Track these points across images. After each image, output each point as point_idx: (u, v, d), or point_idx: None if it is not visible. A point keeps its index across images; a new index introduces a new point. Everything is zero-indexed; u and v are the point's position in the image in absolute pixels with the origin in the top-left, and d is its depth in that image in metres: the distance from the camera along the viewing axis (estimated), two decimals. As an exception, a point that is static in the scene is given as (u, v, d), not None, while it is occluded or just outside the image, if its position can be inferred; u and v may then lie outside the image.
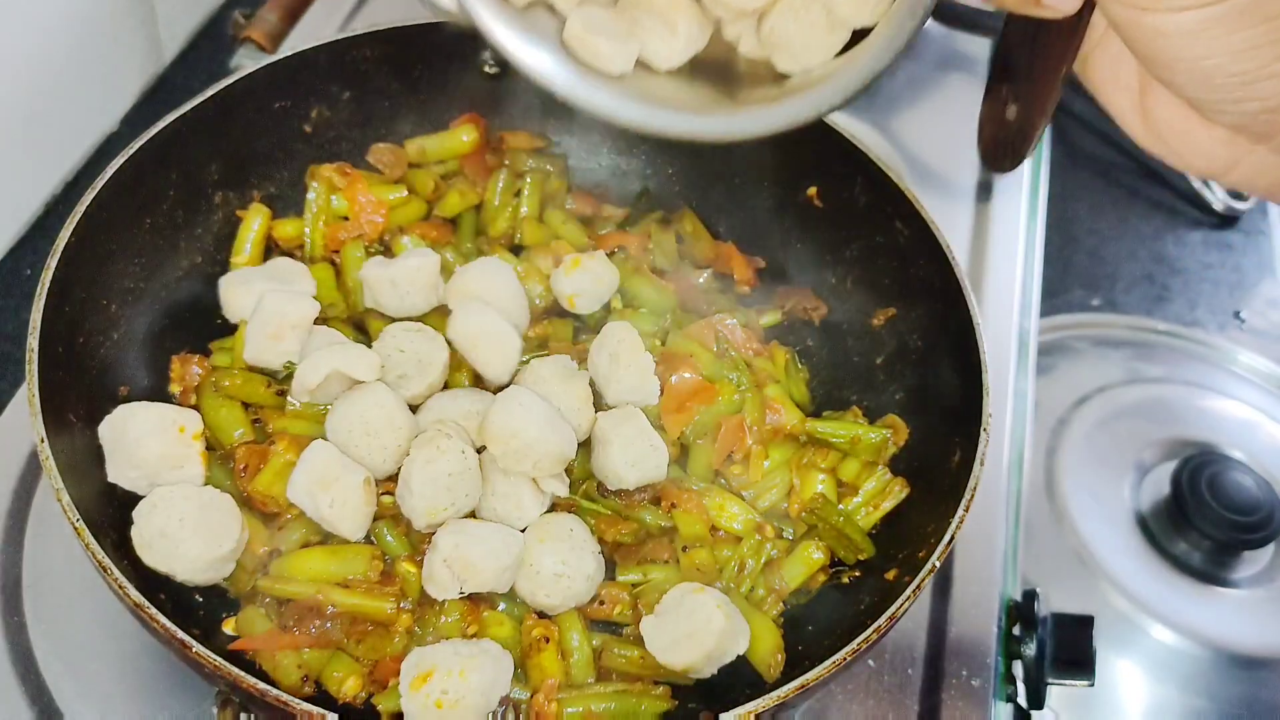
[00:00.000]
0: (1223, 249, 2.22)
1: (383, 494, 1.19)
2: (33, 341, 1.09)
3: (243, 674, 0.95)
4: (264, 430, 1.26)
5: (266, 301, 1.27)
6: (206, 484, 1.17)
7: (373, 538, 1.19)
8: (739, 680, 1.14)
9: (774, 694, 1.00)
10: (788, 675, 1.07)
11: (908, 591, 1.07)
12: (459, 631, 1.14)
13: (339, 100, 1.50)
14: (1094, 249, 2.19)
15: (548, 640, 1.12)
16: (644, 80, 0.91)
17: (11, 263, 1.67)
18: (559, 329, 1.42)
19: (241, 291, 1.32)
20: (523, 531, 1.17)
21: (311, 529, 1.18)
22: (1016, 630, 1.40)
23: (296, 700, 0.95)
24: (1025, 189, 1.93)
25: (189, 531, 1.09)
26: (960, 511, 1.12)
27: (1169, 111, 0.86)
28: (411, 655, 1.07)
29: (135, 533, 1.10)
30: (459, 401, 1.24)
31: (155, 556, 1.09)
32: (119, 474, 1.15)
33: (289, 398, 1.25)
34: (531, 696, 1.11)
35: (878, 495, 1.29)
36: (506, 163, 1.56)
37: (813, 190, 1.51)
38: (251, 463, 1.20)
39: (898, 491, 1.29)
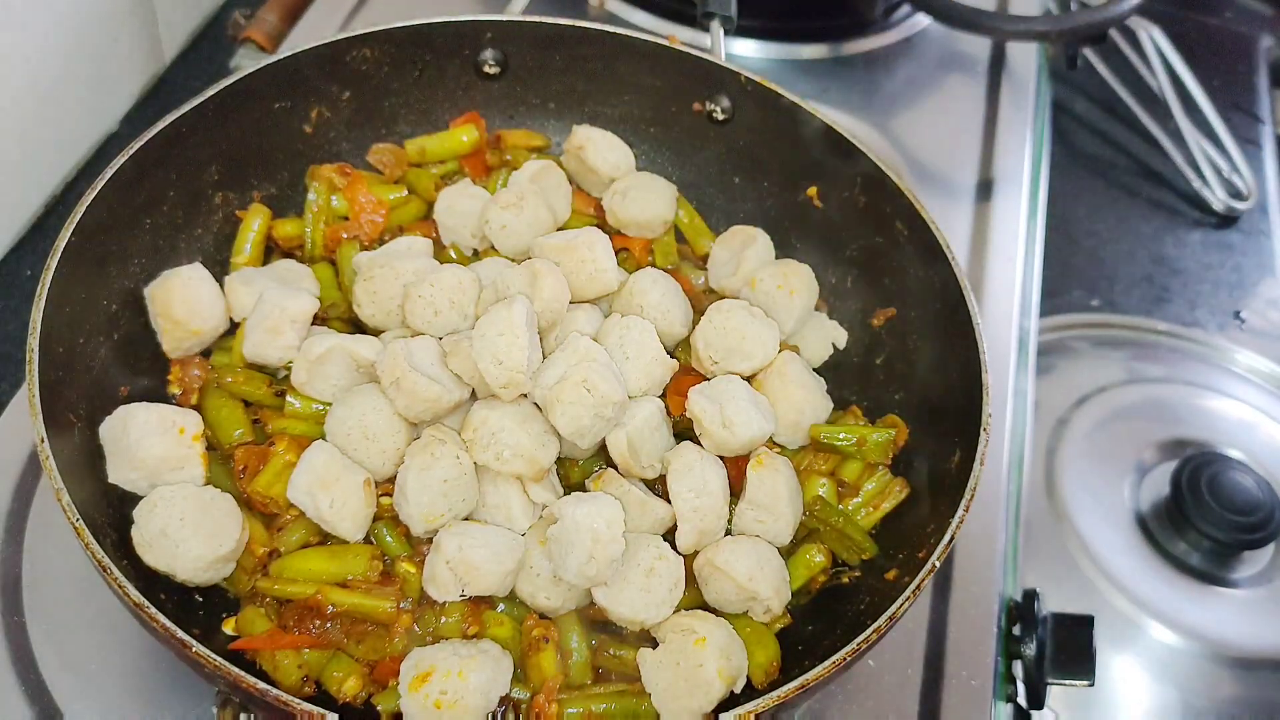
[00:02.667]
0: (1223, 249, 2.22)
1: (381, 495, 1.19)
2: (33, 342, 1.09)
3: (243, 674, 0.95)
4: (263, 431, 1.26)
5: (266, 296, 1.27)
6: (207, 484, 1.17)
7: (372, 538, 1.19)
8: (739, 680, 1.14)
9: (774, 694, 1.00)
10: (787, 675, 1.07)
11: (907, 592, 1.07)
12: (459, 632, 1.14)
13: (339, 100, 1.50)
14: (1093, 249, 2.19)
15: (547, 640, 1.12)
16: None
17: (12, 263, 1.67)
18: None
19: (245, 291, 1.32)
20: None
21: (311, 529, 1.18)
22: (1016, 630, 1.40)
23: (296, 700, 0.95)
24: (1025, 189, 1.93)
25: (189, 531, 1.09)
26: (960, 511, 1.12)
27: None
28: (411, 655, 1.07)
29: (136, 532, 1.10)
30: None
31: (156, 556, 1.09)
32: (119, 475, 1.14)
33: (288, 397, 1.25)
34: (532, 697, 1.10)
35: (878, 495, 1.29)
36: (508, 158, 1.57)
37: (813, 190, 1.51)
38: (251, 464, 1.20)
39: (898, 492, 1.28)
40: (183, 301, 1.27)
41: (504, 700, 1.08)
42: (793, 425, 1.31)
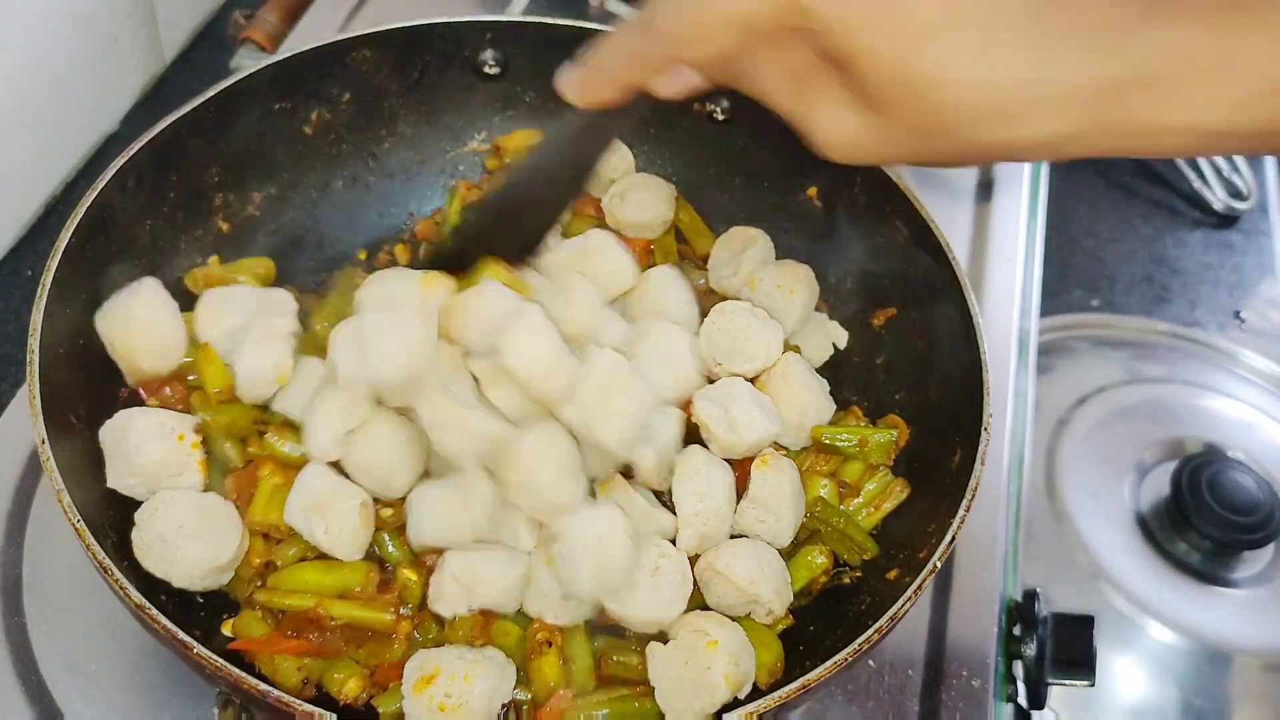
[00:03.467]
0: (1223, 249, 2.23)
1: (384, 508, 1.18)
2: (33, 343, 1.09)
3: (244, 675, 0.95)
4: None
5: (251, 332, 1.20)
6: (207, 491, 1.16)
7: (375, 546, 1.18)
8: (740, 681, 1.14)
9: (775, 694, 1.00)
10: (788, 676, 1.07)
11: (909, 592, 1.07)
12: (465, 641, 1.13)
13: (339, 101, 1.49)
14: (1093, 249, 2.19)
15: (550, 645, 1.12)
16: None
17: (12, 263, 1.67)
18: None
19: (216, 315, 1.24)
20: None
21: (309, 545, 1.16)
22: (1016, 630, 1.40)
23: (298, 701, 0.95)
24: (1025, 189, 1.93)
25: (188, 537, 1.08)
26: (961, 512, 1.12)
27: None
28: (415, 657, 1.06)
29: (136, 535, 1.09)
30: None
31: (153, 561, 1.09)
32: (118, 480, 1.14)
33: (270, 436, 1.20)
34: (533, 702, 1.10)
35: (878, 496, 1.29)
36: (507, 161, 1.56)
37: (813, 190, 1.51)
38: (244, 491, 1.17)
39: (899, 492, 1.28)
40: (128, 341, 1.19)
41: (505, 704, 1.08)
42: (796, 426, 1.31)
